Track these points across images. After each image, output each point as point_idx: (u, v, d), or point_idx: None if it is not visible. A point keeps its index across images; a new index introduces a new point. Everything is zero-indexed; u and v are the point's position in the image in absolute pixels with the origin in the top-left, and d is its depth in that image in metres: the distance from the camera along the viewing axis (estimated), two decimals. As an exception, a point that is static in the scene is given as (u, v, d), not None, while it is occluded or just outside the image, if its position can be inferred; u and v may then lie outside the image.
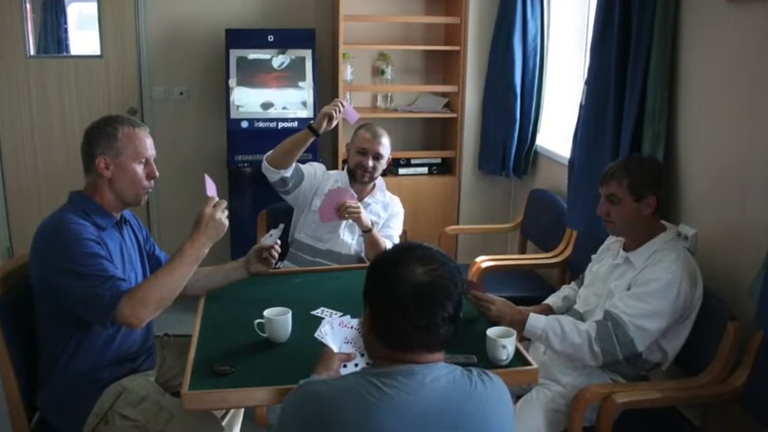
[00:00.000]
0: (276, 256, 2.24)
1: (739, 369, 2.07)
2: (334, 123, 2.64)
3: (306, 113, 3.87)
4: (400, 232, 2.88)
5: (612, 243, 2.35)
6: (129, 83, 4.19)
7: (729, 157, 2.29)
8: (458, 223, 4.15)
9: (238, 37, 3.90)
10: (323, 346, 1.74)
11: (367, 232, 2.66)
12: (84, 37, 4.22)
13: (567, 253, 3.26)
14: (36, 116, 4.15)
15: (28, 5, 4.03)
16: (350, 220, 2.69)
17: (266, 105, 3.89)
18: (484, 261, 3.16)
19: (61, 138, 4.18)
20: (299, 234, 2.84)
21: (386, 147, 2.78)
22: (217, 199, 1.92)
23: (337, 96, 3.89)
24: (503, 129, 3.85)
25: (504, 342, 1.76)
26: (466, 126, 4.07)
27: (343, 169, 2.91)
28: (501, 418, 1.39)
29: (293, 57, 3.91)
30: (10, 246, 4.27)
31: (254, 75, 3.88)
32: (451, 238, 3.94)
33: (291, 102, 3.90)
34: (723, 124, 2.32)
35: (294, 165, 2.71)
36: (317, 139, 2.68)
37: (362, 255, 2.79)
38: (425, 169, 4.17)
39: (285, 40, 3.91)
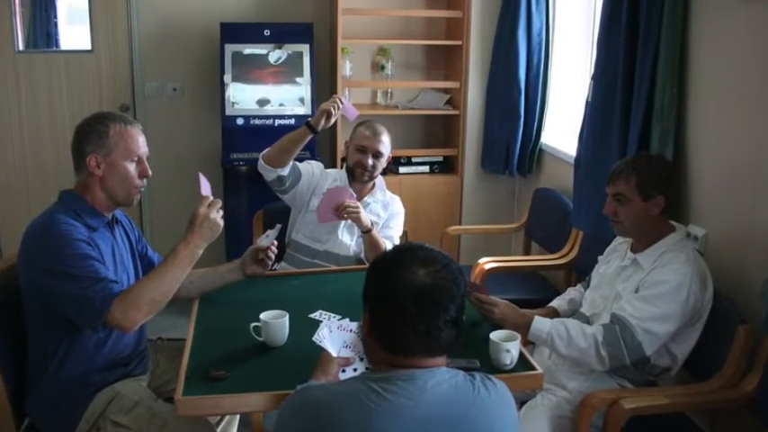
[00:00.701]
0: (273, 257, 2.24)
1: (750, 374, 2.05)
2: (333, 120, 2.61)
3: (303, 110, 3.84)
4: (401, 233, 2.85)
5: (620, 244, 2.34)
6: (121, 78, 4.14)
7: (740, 155, 2.27)
8: (460, 223, 4.12)
9: (234, 31, 3.87)
10: (321, 350, 1.73)
11: (366, 233, 2.63)
12: (74, 31, 4.18)
13: (573, 254, 3.24)
14: (25, 113, 4.10)
15: (17, -1, 3.99)
16: (349, 221, 2.66)
17: (262, 102, 3.86)
18: (487, 262, 3.14)
19: (51, 135, 4.13)
20: (296, 235, 2.81)
21: (386, 145, 2.74)
22: (211, 198, 1.91)
23: (336, 93, 3.85)
24: (506, 126, 3.82)
25: (507, 346, 1.75)
26: (468, 123, 4.05)
27: (341, 168, 2.88)
28: (505, 425, 1.37)
29: (290, 52, 3.88)
30: (-2, 246, 4.23)
31: (250, 70, 3.85)
32: (453, 239, 3.92)
33: (288, 98, 3.88)
34: (734, 121, 2.30)
35: (291, 163, 2.69)
36: (314, 137, 2.67)
37: (362, 256, 2.76)
38: (427, 168, 4.14)
39: (282, 34, 3.88)
